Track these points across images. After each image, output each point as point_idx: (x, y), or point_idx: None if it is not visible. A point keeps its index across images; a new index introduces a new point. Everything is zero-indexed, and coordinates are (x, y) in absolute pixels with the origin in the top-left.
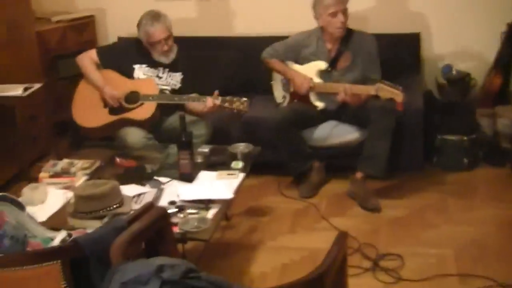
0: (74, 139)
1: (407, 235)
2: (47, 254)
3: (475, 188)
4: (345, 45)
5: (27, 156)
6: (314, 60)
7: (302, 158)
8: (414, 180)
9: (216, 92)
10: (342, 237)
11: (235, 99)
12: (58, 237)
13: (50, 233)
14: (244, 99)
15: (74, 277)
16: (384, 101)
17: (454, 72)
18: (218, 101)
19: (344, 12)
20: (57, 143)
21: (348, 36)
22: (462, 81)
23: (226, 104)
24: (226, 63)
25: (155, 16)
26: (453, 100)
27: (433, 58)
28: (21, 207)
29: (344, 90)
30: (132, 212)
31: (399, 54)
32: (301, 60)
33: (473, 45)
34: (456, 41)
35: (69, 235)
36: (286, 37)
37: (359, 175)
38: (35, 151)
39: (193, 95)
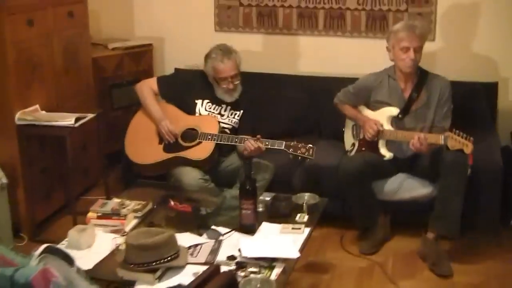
0: (124, 172)
1: None
2: None
3: None
4: (419, 86)
5: (77, 188)
6: (386, 103)
7: (371, 211)
8: (489, 243)
9: (258, 136)
10: None
11: (300, 145)
12: None
13: None
14: (310, 145)
15: None
16: (455, 153)
17: None
18: (262, 145)
19: (417, 50)
20: (107, 175)
21: (422, 77)
22: None
23: (291, 150)
24: (291, 104)
25: (226, 51)
26: None
27: (510, 109)
28: (70, 261)
29: (419, 139)
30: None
31: (474, 104)
32: (372, 103)
33: None
34: None
35: None
36: (355, 78)
37: (430, 235)
38: (85, 182)
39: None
